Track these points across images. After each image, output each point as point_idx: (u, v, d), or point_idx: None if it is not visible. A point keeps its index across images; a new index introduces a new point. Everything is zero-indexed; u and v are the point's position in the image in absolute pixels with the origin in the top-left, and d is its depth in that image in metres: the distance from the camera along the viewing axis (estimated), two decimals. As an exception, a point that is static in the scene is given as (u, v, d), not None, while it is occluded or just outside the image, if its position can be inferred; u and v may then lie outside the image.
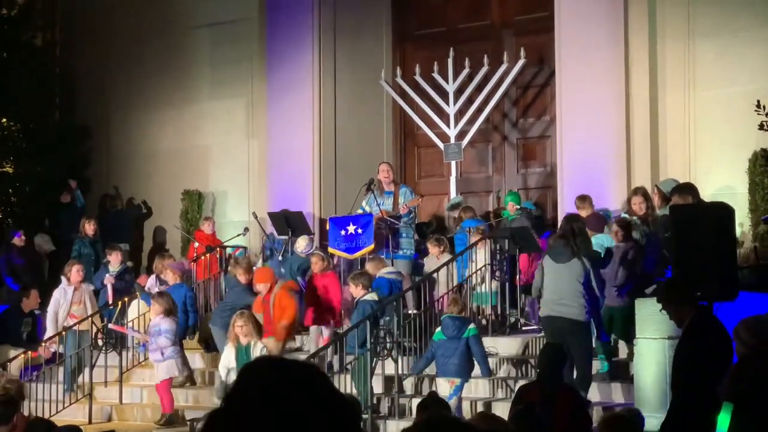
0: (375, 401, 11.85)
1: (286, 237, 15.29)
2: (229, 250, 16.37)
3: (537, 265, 12.28)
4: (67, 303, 14.27)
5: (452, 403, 10.70)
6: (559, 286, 11.14)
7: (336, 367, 12.20)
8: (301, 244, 14.54)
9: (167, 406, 12.66)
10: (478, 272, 13.57)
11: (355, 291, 12.43)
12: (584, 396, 10.70)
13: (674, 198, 11.60)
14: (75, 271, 14.33)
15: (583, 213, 13.37)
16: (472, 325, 11.62)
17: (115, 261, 15.35)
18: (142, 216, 18.60)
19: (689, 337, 8.24)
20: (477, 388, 12.16)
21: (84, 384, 13.84)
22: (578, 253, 11.13)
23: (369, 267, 13.40)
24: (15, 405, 9.15)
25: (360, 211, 14.45)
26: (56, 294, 14.40)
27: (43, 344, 14.16)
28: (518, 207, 14.79)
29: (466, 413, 11.31)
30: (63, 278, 14.49)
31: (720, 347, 7.96)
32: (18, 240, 16.59)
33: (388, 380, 12.23)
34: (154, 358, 12.95)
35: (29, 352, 13.88)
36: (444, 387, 11.26)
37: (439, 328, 11.66)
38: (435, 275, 13.52)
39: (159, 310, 12.91)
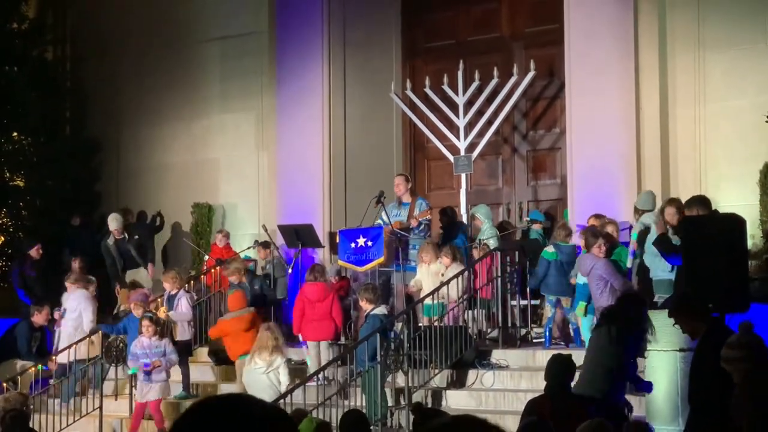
0: (386, 413, 11.81)
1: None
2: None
3: None
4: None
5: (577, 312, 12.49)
6: None
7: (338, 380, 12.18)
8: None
9: (161, 421, 12.66)
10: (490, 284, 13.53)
11: (365, 305, 12.41)
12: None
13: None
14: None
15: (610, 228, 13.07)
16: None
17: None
18: (154, 229, 18.59)
19: (704, 351, 8.19)
20: (488, 400, 12.13)
21: (94, 397, 13.82)
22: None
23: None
24: (25, 419, 9.17)
25: (379, 222, 14.40)
26: None
27: (54, 358, 14.13)
28: (528, 219, 14.83)
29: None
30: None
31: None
32: (35, 252, 16.53)
33: (398, 392, 12.20)
34: (156, 378, 12.82)
35: (39, 365, 13.87)
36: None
37: (549, 248, 13.12)
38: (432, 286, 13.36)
39: (153, 331, 12.86)
